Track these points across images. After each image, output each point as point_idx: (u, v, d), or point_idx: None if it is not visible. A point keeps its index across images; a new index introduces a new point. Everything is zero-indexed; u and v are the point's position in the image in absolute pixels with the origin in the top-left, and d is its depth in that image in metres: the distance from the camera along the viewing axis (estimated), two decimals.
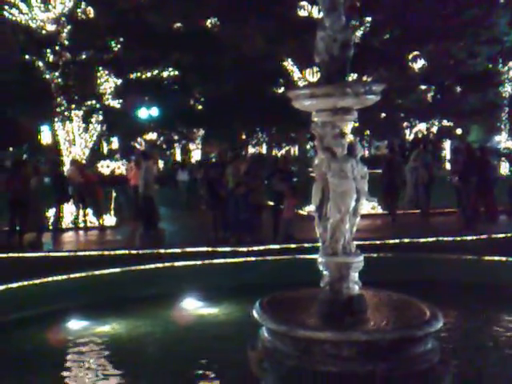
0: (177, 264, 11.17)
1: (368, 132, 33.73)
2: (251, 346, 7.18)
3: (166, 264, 11.18)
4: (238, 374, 7.00)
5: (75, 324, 8.92)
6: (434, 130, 37.37)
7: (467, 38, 23.34)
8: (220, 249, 12.34)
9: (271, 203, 15.34)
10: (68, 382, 7.17)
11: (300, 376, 6.43)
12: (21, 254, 12.69)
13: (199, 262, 11.27)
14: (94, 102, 19.49)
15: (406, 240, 12.58)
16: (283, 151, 46.90)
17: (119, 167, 32.03)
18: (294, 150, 43.94)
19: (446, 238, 12.90)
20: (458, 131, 40.80)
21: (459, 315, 8.80)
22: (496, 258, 10.83)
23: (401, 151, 30.79)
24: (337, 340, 6.49)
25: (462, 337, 8.34)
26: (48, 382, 7.02)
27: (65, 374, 7.42)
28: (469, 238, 12.96)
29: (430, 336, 6.75)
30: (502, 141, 33.69)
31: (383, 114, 32.31)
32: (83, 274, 10.43)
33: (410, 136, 37.51)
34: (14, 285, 9.60)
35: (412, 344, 6.60)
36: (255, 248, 12.27)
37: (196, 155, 43.30)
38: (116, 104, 20.00)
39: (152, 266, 11.10)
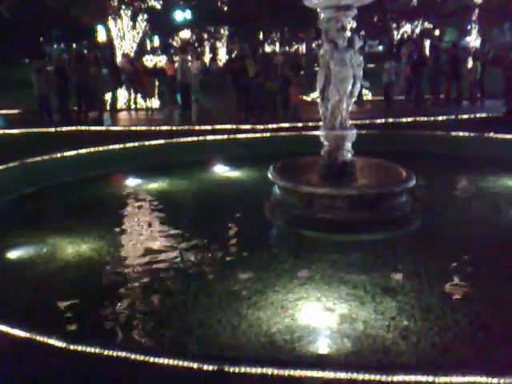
0: (208, 138, 11.23)
1: (363, 32, 32.41)
2: (266, 198, 7.40)
3: (200, 138, 11.24)
4: (256, 217, 7.20)
5: (131, 181, 9.12)
6: (417, 31, 35.73)
7: None
8: (242, 126, 12.30)
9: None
10: (127, 220, 7.43)
11: (303, 221, 6.66)
12: (87, 128, 12.75)
13: (226, 137, 11.30)
14: (140, 2, 18.82)
15: (390, 120, 12.45)
16: (293, 49, 45.31)
17: (160, 61, 31.35)
18: (302, 48, 42.41)
19: (422, 118, 12.74)
20: (436, 32, 39.00)
21: (429, 178, 8.85)
22: (461, 134, 10.77)
23: (389, 49, 30.01)
24: (332, 194, 6.66)
25: (429, 194, 8.46)
26: (112, 220, 7.24)
27: (125, 214, 7.72)
28: (440, 118, 12.79)
29: (404, 192, 6.90)
30: (471, 41, 32.32)
31: (376, 17, 31.31)
32: (136, 144, 10.54)
33: (397, 36, 35.98)
34: (83, 151, 9.75)
35: (391, 198, 6.77)
36: (270, 126, 12.22)
37: (222, 52, 42.01)
38: (157, 5, 19.26)
39: (189, 139, 11.17)
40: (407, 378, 2.96)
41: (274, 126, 12.27)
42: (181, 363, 3.00)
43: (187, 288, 5.19)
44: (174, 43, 40.38)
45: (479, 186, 8.73)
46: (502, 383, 2.97)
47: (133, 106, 17.47)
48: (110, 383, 3.13)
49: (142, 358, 3.10)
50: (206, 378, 3.00)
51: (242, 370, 2.98)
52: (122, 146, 10.38)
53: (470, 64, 17.64)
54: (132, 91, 17.52)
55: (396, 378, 2.95)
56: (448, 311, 4.62)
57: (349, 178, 6.97)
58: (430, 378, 2.94)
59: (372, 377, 2.97)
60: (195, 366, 2.97)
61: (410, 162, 7.60)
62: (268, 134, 11.59)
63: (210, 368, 2.97)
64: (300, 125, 12.20)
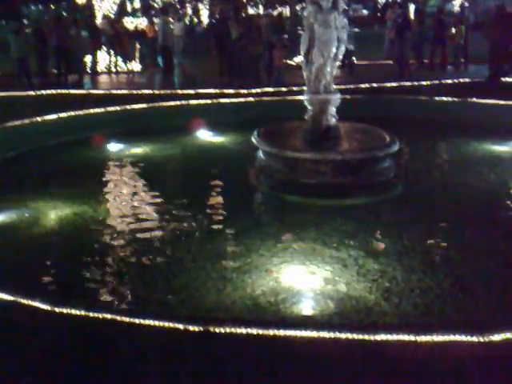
0: (191, 102, 11.09)
1: None
2: (250, 164, 7.38)
3: (183, 102, 11.09)
4: (240, 182, 7.19)
5: (113, 146, 9.02)
6: None
7: None
8: (226, 91, 12.15)
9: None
10: (110, 185, 7.37)
11: (287, 186, 6.67)
12: (67, 91, 12.50)
13: (209, 102, 11.17)
14: None
15: (375, 85, 12.38)
16: (277, 11, 44.54)
17: (141, 23, 30.58)
18: (286, 11, 41.76)
19: (406, 83, 12.70)
20: None
21: (412, 143, 8.89)
22: (444, 99, 10.79)
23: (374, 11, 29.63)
24: (316, 159, 6.67)
25: (412, 159, 8.51)
26: (95, 185, 7.18)
27: (108, 178, 7.67)
28: (424, 82, 12.75)
29: (388, 157, 6.94)
30: (455, 6, 32.07)
31: None
32: (117, 108, 10.37)
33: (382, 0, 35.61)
34: (63, 115, 9.57)
35: (374, 162, 6.79)
36: (254, 90, 12.09)
37: (204, 14, 41.17)
38: None
39: (172, 103, 11.02)
40: (389, 337, 3.03)
41: (258, 90, 12.13)
42: (167, 324, 3.03)
43: (172, 252, 5.21)
44: (155, 5, 39.45)
45: (462, 150, 8.80)
46: (482, 341, 3.06)
47: (114, 69, 17.14)
48: (96, 345, 3.15)
49: (128, 319, 3.12)
50: (192, 338, 3.04)
51: (227, 330, 3.03)
52: (103, 109, 10.21)
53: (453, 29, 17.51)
54: (112, 54, 17.17)
55: (378, 337, 3.02)
56: (429, 273, 4.71)
57: (333, 142, 6.97)
58: (412, 337, 3.02)
59: (354, 336, 3.04)
60: (181, 326, 3.01)
61: (394, 127, 7.61)
62: (252, 99, 11.49)
63: (196, 329, 3.01)
64: (284, 89, 12.08)
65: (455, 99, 10.72)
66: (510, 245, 5.37)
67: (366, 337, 3.02)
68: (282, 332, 3.07)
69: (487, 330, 3.14)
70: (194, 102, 11.10)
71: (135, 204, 6.58)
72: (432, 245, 5.44)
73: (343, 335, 3.01)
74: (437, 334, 3.03)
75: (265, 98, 11.52)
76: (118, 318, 3.15)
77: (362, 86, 12.22)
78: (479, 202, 6.50)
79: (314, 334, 3.06)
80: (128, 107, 10.44)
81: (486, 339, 3.05)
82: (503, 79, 13.12)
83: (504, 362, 3.04)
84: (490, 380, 2.92)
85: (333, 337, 3.01)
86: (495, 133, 9.09)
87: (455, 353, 3.01)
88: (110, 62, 17.13)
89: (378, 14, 25.80)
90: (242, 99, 11.49)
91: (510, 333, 3.12)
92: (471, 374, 2.93)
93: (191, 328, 2.98)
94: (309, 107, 7.12)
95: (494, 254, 5.13)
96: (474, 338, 3.06)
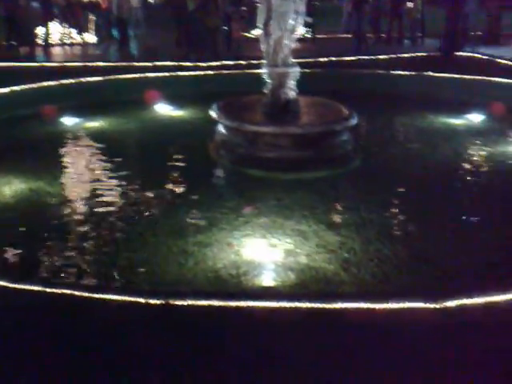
0: (148, 75, 10.88)
1: None
2: (210, 138, 7.33)
3: (140, 75, 10.87)
4: (200, 157, 7.15)
5: (68, 120, 8.79)
6: None
7: None
8: (184, 63, 11.96)
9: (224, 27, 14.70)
10: (66, 160, 7.21)
11: (247, 160, 6.68)
12: (18, 64, 12.05)
13: (167, 74, 10.98)
14: None
15: (333, 58, 12.42)
16: None
17: None
18: None
19: (364, 57, 12.78)
20: None
21: (370, 116, 8.98)
22: (402, 73, 10.93)
23: None
24: (276, 133, 6.68)
25: (371, 132, 8.63)
26: (50, 160, 7.01)
27: (64, 153, 7.47)
28: (381, 57, 12.85)
29: (347, 130, 7.01)
30: None
31: None
32: (72, 81, 10.09)
33: None
34: (16, 88, 9.25)
35: (333, 136, 6.85)
36: (212, 63, 11.94)
37: None
38: None
39: (128, 76, 10.78)
40: (347, 305, 3.11)
41: (217, 63, 11.99)
42: (127, 298, 3.02)
43: (132, 227, 5.16)
44: None
45: (418, 123, 8.97)
46: (438, 308, 3.17)
47: (67, 41, 16.61)
48: (56, 321, 3.12)
49: (86, 294, 3.09)
50: (153, 312, 3.04)
51: (189, 302, 3.04)
52: (57, 82, 9.91)
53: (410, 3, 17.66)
54: (66, 25, 16.62)
55: (337, 306, 3.09)
56: (387, 243, 4.83)
57: (292, 116, 6.99)
58: (369, 305, 3.10)
59: (314, 305, 3.10)
60: (142, 300, 3.00)
61: (352, 101, 7.66)
62: (211, 72, 11.35)
63: (157, 302, 3.01)
64: (243, 62, 11.98)
65: (412, 73, 10.88)
66: (465, 215, 5.55)
67: (325, 305, 3.09)
68: (243, 303, 3.10)
69: (442, 297, 3.25)
70: (151, 74, 10.89)
71: (92, 179, 6.46)
72: (389, 216, 5.57)
73: (303, 304, 3.07)
74: (393, 302, 3.13)
75: (224, 72, 11.40)
76: (77, 293, 3.11)
77: (321, 59, 12.24)
78: (435, 173, 6.67)
79: (274, 304, 3.11)
80: (83, 80, 10.16)
81: (441, 306, 3.17)
82: (458, 53, 13.38)
83: (458, 328, 3.16)
84: (445, 345, 3.03)
85: (293, 306, 3.07)
86: (450, 106, 9.30)
87: (411, 319, 3.12)
88: (64, 33, 16.59)
89: None
90: (200, 72, 11.34)
91: (463, 299, 3.25)
92: (427, 339, 3.04)
93: (152, 301, 2.98)
94: (268, 80, 7.10)
95: (450, 224, 5.29)
96: (429, 305, 3.17)
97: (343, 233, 5.00)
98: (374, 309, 3.07)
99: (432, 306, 3.16)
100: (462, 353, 2.95)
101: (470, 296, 3.24)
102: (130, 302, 3.05)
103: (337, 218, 5.41)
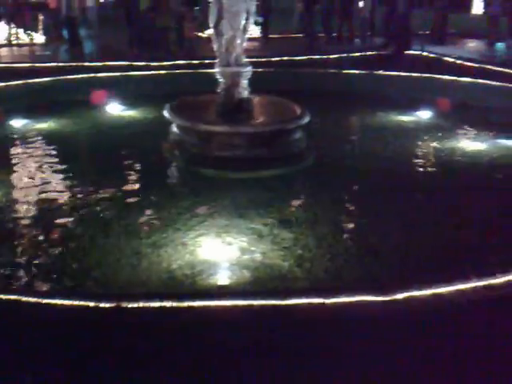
0: (99, 75, 10.71)
1: None
2: (163, 138, 7.28)
3: (91, 75, 10.68)
4: (153, 157, 7.09)
5: (17, 122, 8.56)
6: None
7: None
8: (136, 63, 11.81)
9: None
10: (14, 162, 7.00)
11: (202, 159, 6.65)
12: None
13: (118, 74, 10.83)
14: None
15: (285, 58, 12.51)
16: None
17: None
18: None
19: (315, 56, 12.91)
20: None
21: (323, 115, 9.09)
22: (351, 71, 11.12)
23: None
24: (230, 132, 6.68)
25: (323, 130, 8.73)
26: None
27: (13, 156, 7.25)
28: (332, 56, 13.02)
29: (299, 128, 7.08)
30: None
31: None
32: (20, 82, 9.83)
33: None
34: None
35: (286, 134, 6.91)
36: (164, 63, 11.83)
37: None
38: None
39: (78, 76, 10.58)
40: (299, 301, 3.15)
41: (169, 63, 11.89)
42: (76, 302, 2.96)
43: (84, 229, 5.07)
44: None
45: (369, 121, 9.15)
46: (387, 300, 3.25)
47: (15, 42, 16.15)
48: (2, 328, 3.03)
49: (34, 299, 3.01)
50: (104, 315, 3.00)
51: (141, 304, 3.01)
52: (4, 84, 9.64)
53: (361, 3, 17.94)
54: (13, 25, 16.15)
55: (290, 302, 3.13)
56: (340, 239, 4.91)
57: (246, 115, 7.00)
58: (320, 300, 3.15)
59: (267, 302, 3.13)
60: (91, 304, 2.95)
61: (305, 100, 7.74)
62: (163, 72, 11.26)
63: (107, 305, 2.97)
64: (196, 62, 11.92)
65: (362, 72, 11.09)
66: (416, 210, 5.69)
67: (278, 302, 3.12)
68: (196, 303, 3.10)
69: (391, 290, 3.33)
70: (102, 74, 10.72)
71: (42, 182, 6.30)
72: (342, 212, 5.66)
73: (256, 302, 3.09)
74: (343, 296, 3.19)
75: (176, 71, 11.33)
76: (23, 298, 3.02)
77: (273, 59, 12.31)
78: (386, 170, 6.80)
79: (228, 302, 3.12)
80: (31, 81, 9.92)
81: (390, 298, 3.25)
82: (408, 52, 13.70)
83: (406, 318, 3.25)
84: (394, 334, 3.11)
85: (246, 304, 3.08)
86: (400, 103, 9.53)
87: (361, 312, 3.19)
88: (10, 34, 16.14)
89: None
90: (152, 72, 11.24)
91: (411, 291, 3.34)
92: (377, 331, 3.11)
93: (102, 305, 2.93)
94: (221, 80, 7.10)
95: (400, 219, 5.41)
96: (379, 298, 3.25)
97: (297, 230, 5.05)
98: (324, 303, 3.11)
99: (381, 298, 3.23)
100: (411, 344, 3.03)
101: (418, 288, 3.34)
102: (79, 305, 2.99)
103: (291, 216, 5.45)
